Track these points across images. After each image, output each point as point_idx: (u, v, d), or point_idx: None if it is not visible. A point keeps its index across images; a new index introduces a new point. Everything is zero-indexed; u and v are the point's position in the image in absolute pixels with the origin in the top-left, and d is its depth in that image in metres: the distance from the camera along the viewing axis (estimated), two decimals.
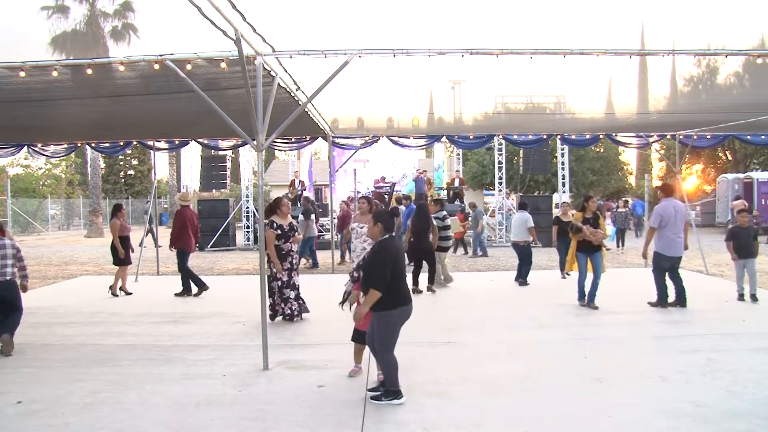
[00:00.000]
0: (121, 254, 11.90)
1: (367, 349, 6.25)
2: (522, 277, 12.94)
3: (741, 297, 10.56)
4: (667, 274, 10.13)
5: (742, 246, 10.45)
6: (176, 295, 11.70)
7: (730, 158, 36.96)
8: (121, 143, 16.08)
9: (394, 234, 5.87)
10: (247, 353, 7.47)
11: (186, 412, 5.61)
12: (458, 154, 30.85)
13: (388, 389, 5.79)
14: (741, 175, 30.64)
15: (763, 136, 15.64)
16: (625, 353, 7.45)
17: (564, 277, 13.74)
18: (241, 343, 8.11)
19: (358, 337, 6.31)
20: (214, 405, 5.76)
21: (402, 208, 14.76)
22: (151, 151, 16.97)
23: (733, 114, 12.56)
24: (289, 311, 9.14)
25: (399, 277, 5.69)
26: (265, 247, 7.62)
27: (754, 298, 10.41)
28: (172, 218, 12.15)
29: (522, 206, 13.85)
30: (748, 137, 15.72)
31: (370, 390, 5.97)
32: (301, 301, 9.36)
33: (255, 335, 7.89)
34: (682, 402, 5.63)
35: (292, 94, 9.47)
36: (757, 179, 29.12)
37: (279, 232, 8.86)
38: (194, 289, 11.86)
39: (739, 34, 7.94)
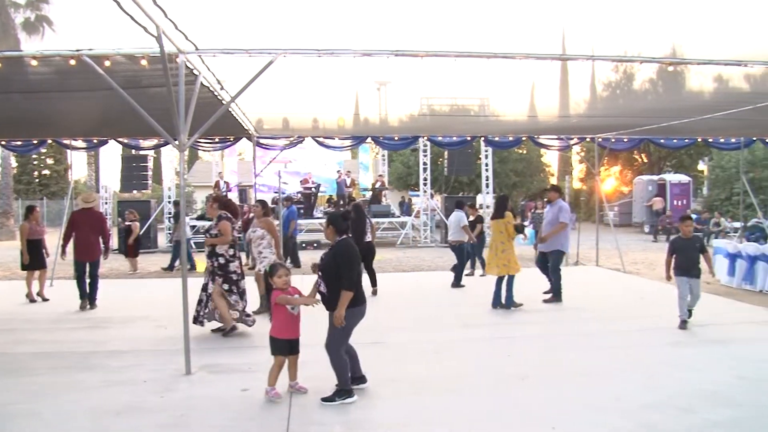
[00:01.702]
0: (25, 260, 11.38)
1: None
2: (456, 279, 12.70)
3: (684, 324, 8.52)
4: (542, 268, 11.05)
5: (685, 261, 8.54)
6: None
7: (645, 161, 38.47)
8: (35, 141, 15.28)
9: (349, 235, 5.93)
10: (169, 358, 7.25)
11: (106, 420, 5.42)
12: (383, 156, 30.96)
13: (341, 388, 5.75)
14: (655, 177, 32.03)
15: (674, 140, 16.47)
16: (547, 350, 7.66)
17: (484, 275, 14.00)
18: (163, 347, 7.90)
19: (279, 349, 5.92)
20: (136, 412, 5.59)
21: (284, 210, 14.52)
22: (68, 150, 16.34)
23: (647, 118, 13.11)
24: (195, 313, 8.45)
25: (358, 275, 5.78)
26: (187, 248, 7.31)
27: (689, 315, 8.62)
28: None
29: (458, 205, 13.64)
30: (662, 141, 16.52)
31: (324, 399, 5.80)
32: (201, 306, 8.62)
33: (177, 339, 7.68)
34: (603, 397, 5.83)
35: (216, 94, 9.28)
36: (670, 181, 30.51)
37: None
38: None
39: (653, 42, 8.31)
